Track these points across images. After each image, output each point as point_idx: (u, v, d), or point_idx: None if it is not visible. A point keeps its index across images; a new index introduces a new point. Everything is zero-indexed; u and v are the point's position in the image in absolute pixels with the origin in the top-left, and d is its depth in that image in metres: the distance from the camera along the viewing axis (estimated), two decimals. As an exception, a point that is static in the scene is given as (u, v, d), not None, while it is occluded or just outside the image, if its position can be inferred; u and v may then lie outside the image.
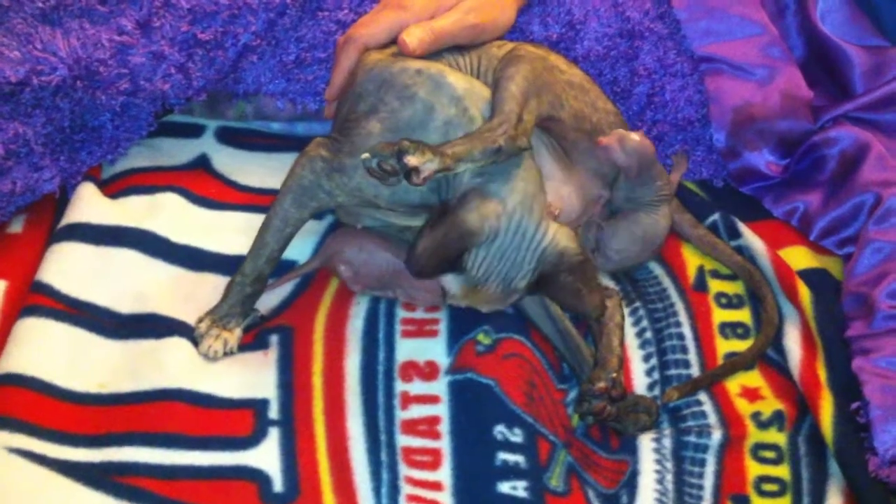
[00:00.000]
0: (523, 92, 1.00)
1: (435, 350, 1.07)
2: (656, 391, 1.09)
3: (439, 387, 1.04)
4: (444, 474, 0.98)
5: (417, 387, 1.04)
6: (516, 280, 0.99)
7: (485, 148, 0.95)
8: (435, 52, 1.05)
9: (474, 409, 1.02)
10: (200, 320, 1.05)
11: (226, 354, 1.04)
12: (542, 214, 0.99)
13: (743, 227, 1.21)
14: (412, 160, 0.91)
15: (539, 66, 1.04)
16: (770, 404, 1.07)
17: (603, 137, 1.08)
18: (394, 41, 1.06)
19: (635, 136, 1.08)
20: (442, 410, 1.02)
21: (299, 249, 1.13)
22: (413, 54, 1.03)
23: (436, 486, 0.98)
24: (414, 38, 1.03)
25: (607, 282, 1.16)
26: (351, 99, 1.04)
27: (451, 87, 1.00)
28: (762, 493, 1.02)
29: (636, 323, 1.13)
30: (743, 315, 1.15)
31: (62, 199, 1.14)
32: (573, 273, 0.98)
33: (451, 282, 1.01)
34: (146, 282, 1.08)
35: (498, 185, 0.97)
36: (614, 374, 1.04)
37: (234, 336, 1.04)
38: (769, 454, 1.04)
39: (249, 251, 1.05)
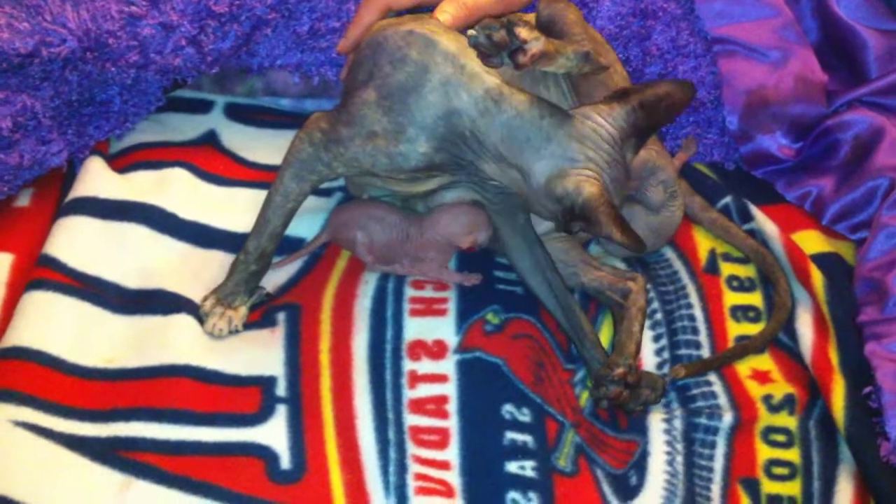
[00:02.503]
0: (581, 19, 0.99)
1: (443, 329, 1.06)
2: (665, 370, 1.08)
3: (447, 366, 1.03)
4: (452, 453, 0.98)
5: (425, 366, 1.03)
6: None
7: (576, 49, 0.94)
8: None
9: (482, 388, 1.02)
10: (205, 299, 1.04)
11: (231, 333, 1.03)
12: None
13: (755, 211, 1.20)
14: (522, 33, 0.89)
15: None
16: (781, 388, 1.07)
17: None
18: (419, 8, 1.05)
19: None
20: (450, 389, 1.02)
21: (308, 227, 1.12)
22: None
23: (443, 465, 0.97)
24: (446, 14, 1.02)
25: (618, 264, 1.15)
26: (353, 69, 1.03)
27: (442, 45, 0.96)
28: (772, 477, 1.01)
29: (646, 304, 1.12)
30: (754, 298, 1.15)
31: (69, 173, 1.14)
32: None
33: None
34: (153, 257, 1.08)
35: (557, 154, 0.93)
36: (631, 361, 1.03)
37: (238, 314, 1.04)
38: (780, 437, 1.03)
39: (252, 229, 1.04)
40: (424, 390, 1.02)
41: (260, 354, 1.03)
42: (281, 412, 0.99)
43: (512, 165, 0.94)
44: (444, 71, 0.95)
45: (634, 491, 0.99)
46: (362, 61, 1.00)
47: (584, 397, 1.05)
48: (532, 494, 0.96)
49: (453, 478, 0.96)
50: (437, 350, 1.05)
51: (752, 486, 1.01)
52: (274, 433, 0.97)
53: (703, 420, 1.04)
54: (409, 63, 0.96)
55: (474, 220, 1.08)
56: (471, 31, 0.89)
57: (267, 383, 1.00)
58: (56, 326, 1.01)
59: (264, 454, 0.96)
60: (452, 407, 1.01)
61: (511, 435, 0.99)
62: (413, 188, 1.05)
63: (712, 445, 1.03)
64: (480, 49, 0.89)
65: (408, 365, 1.04)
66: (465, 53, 0.95)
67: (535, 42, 0.89)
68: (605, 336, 1.10)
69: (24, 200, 1.11)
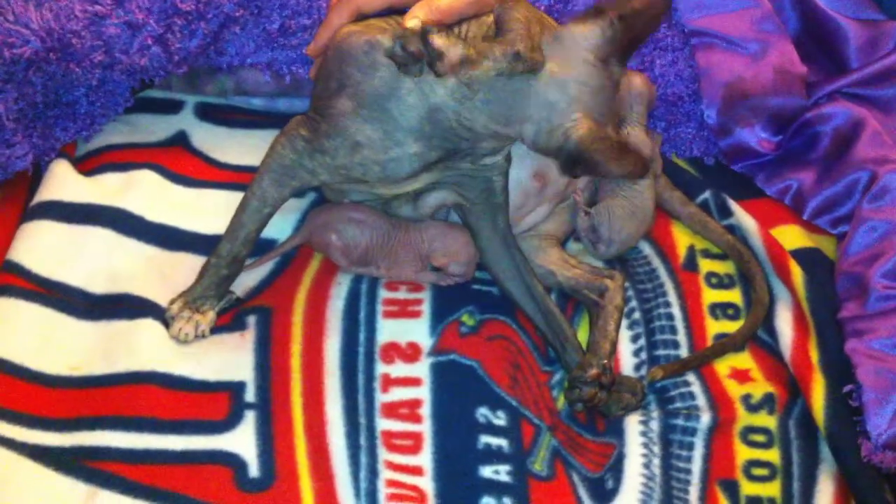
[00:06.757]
0: (526, 18, 0.94)
1: (417, 331, 1.04)
2: (643, 371, 1.07)
3: (421, 369, 1.02)
4: (425, 458, 0.96)
5: (399, 369, 1.02)
6: None
7: (505, 50, 0.89)
8: None
9: (457, 391, 1.00)
10: (172, 302, 1.02)
11: (197, 338, 1.01)
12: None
13: (735, 206, 1.18)
14: (437, 41, 0.86)
15: (534, 10, 0.99)
16: (760, 387, 1.05)
17: None
18: (391, 10, 1.03)
19: None
20: (423, 393, 1.00)
21: (280, 227, 1.10)
22: None
23: (416, 470, 0.95)
24: (416, 20, 0.99)
25: (596, 262, 1.13)
26: (323, 75, 1.00)
27: None
28: (752, 478, 1.00)
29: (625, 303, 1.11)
30: (733, 296, 1.13)
31: (35, 177, 1.11)
32: None
33: None
34: (119, 261, 1.06)
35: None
36: (605, 361, 1.01)
37: (206, 319, 1.02)
38: (759, 438, 1.02)
39: (226, 232, 1.02)
40: (397, 394, 1.00)
41: (229, 359, 1.00)
42: (250, 419, 0.97)
43: (508, 138, 0.94)
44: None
45: (611, 495, 0.97)
46: (331, 71, 0.97)
47: (562, 400, 1.03)
48: (507, 500, 0.94)
49: (426, 483, 0.95)
50: (410, 353, 1.03)
51: (731, 488, 0.99)
52: (242, 440, 0.95)
53: (680, 421, 1.02)
54: (379, 68, 0.94)
55: (460, 247, 1.07)
56: (387, 44, 0.89)
57: (236, 389, 0.98)
58: (20, 334, 0.99)
59: (232, 462, 0.94)
60: (426, 411, 0.99)
61: (486, 439, 0.97)
62: (400, 189, 1.03)
63: (690, 447, 1.01)
64: (396, 60, 0.88)
65: (381, 368, 1.02)
66: None
67: (453, 49, 0.87)
68: (582, 336, 1.07)
69: (-12, 205, 1.09)
